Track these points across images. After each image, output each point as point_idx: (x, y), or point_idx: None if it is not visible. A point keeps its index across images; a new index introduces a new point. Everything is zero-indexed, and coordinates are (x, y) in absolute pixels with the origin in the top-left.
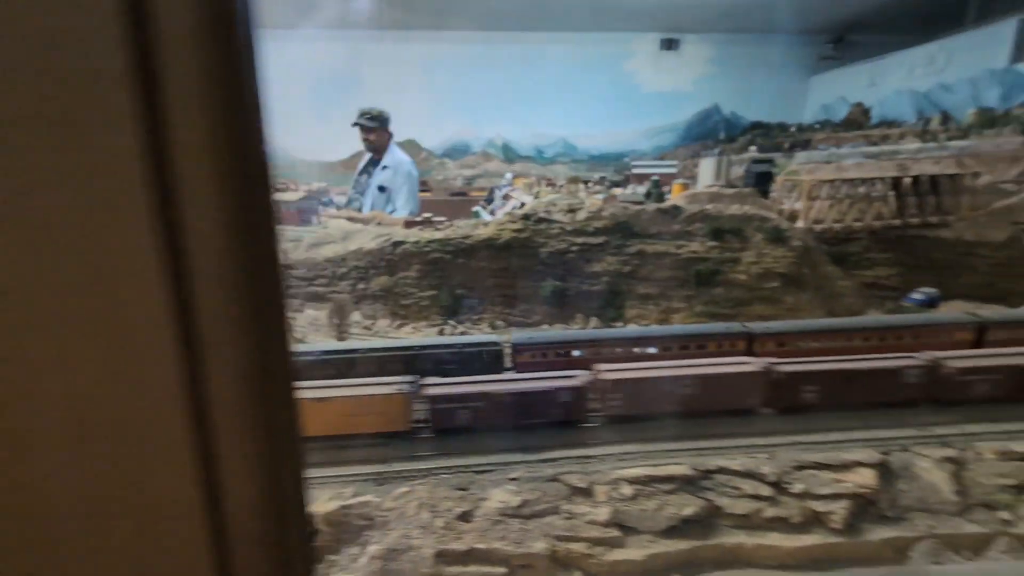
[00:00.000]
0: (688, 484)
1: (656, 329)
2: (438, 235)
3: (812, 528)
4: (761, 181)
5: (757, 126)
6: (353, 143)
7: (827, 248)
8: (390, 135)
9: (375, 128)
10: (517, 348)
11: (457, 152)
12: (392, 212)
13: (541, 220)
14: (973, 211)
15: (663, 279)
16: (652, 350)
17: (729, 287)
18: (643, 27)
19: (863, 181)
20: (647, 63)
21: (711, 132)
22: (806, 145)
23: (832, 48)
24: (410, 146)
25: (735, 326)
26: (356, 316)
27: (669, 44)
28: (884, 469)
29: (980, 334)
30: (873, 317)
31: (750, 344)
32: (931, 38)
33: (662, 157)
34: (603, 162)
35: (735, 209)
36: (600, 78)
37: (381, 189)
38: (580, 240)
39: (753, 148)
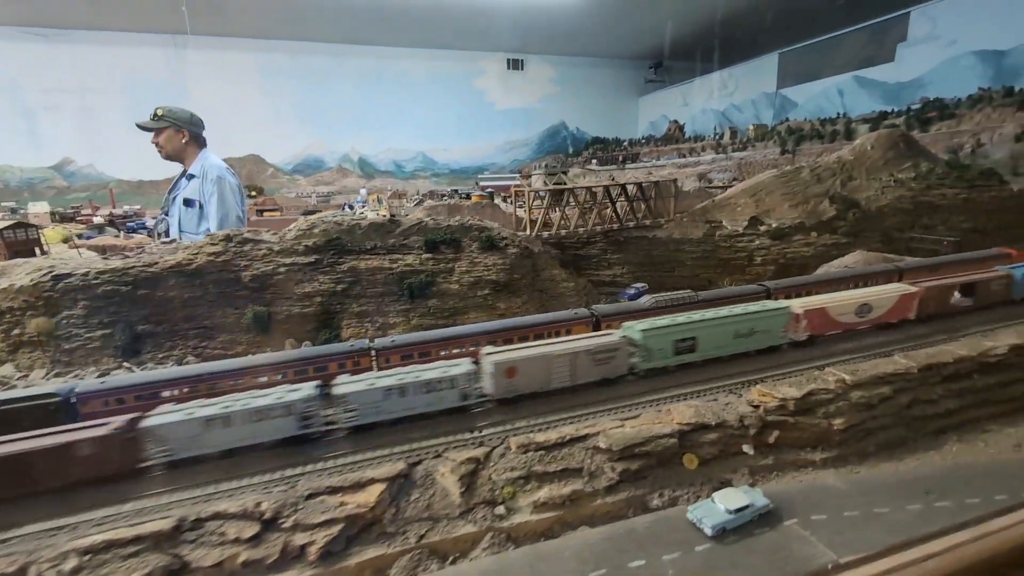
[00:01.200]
0: (163, 542)
1: (258, 358)
2: (115, 264)
3: (290, 564)
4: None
5: (597, 141)
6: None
7: (559, 253)
8: (190, 139)
9: (163, 128)
10: (82, 398)
11: (309, 168)
12: (206, 231)
13: (246, 241)
14: (679, 214)
15: (378, 295)
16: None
17: (443, 297)
18: (489, 47)
19: (588, 192)
20: (496, 81)
21: (560, 146)
22: (636, 158)
23: (654, 72)
24: (254, 161)
25: (343, 346)
26: (7, 369)
27: (515, 64)
28: (404, 481)
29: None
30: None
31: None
32: (724, 65)
33: (519, 170)
34: (463, 175)
35: (454, 220)
36: (453, 94)
37: (188, 203)
38: (289, 260)
39: (594, 161)
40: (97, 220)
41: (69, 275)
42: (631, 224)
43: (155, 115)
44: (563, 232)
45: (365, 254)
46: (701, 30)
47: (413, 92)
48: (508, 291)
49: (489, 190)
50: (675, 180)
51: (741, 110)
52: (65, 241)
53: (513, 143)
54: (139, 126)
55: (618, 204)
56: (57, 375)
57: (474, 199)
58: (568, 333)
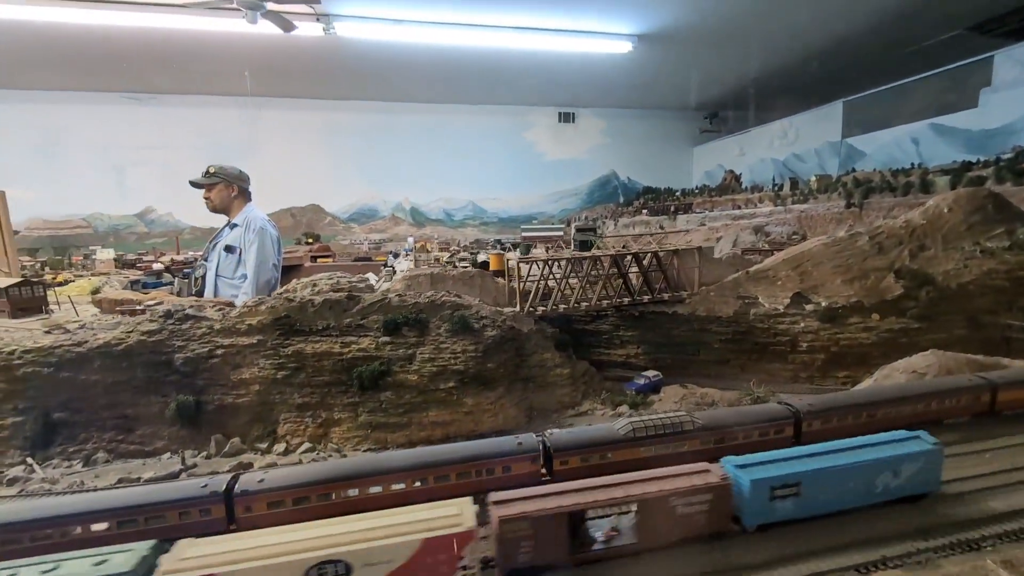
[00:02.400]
0: None
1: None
2: (44, 342)
3: None
4: (584, 248)
5: (648, 191)
6: (258, 204)
7: (556, 332)
8: (239, 193)
9: (213, 184)
10: None
11: (364, 217)
12: (242, 277)
13: (186, 318)
14: (705, 286)
15: (324, 384)
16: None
17: (399, 390)
18: (540, 101)
19: (586, 261)
20: (546, 133)
21: (611, 196)
22: (688, 208)
23: (709, 122)
24: (314, 210)
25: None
26: None
27: (566, 117)
28: None
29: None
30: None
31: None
32: (784, 114)
33: (568, 220)
34: (512, 224)
35: (423, 297)
36: (503, 146)
37: (228, 250)
38: (228, 341)
39: (644, 212)
40: (156, 266)
41: None
42: (646, 298)
43: (207, 172)
44: (561, 307)
45: (315, 335)
46: (759, 79)
47: (464, 145)
48: (479, 383)
49: (527, 243)
50: (699, 248)
51: (803, 160)
52: (95, 292)
53: (562, 192)
54: (192, 183)
55: (631, 274)
56: None
57: (491, 259)
58: (507, 472)
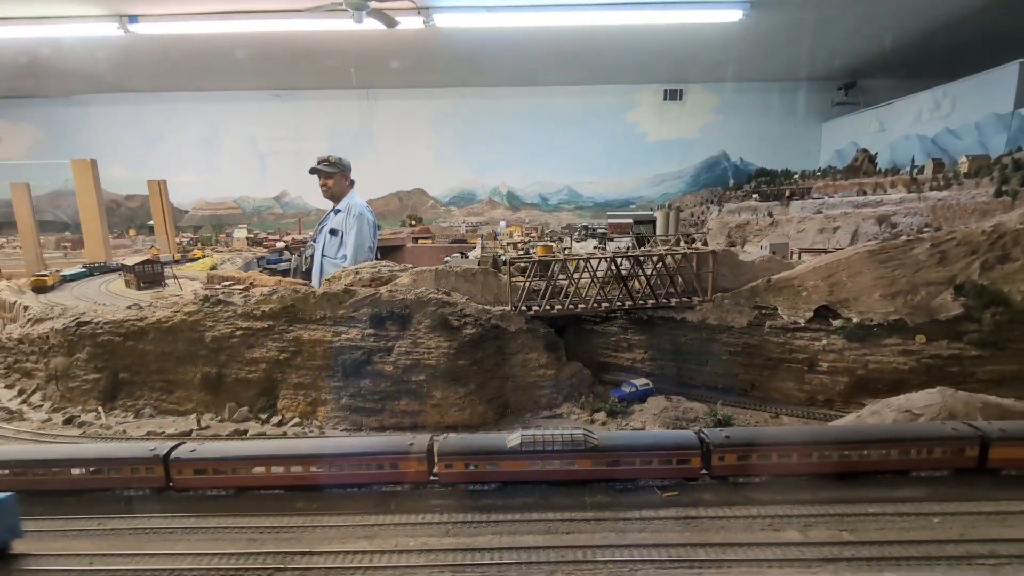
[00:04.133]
0: None
1: None
2: (118, 317)
3: None
4: (640, 242)
5: (762, 173)
6: (369, 189)
7: (549, 332)
8: (349, 182)
9: (332, 174)
10: None
11: (463, 200)
12: (343, 257)
13: (219, 302)
14: (720, 293)
15: (316, 368)
16: None
17: (376, 378)
18: (645, 79)
19: (587, 263)
20: (650, 113)
21: (719, 179)
22: (806, 193)
23: (844, 94)
24: (418, 194)
25: None
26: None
27: (673, 94)
28: None
29: None
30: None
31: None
32: (938, 82)
33: (668, 203)
34: (608, 209)
35: (411, 293)
36: (603, 128)
37: (332, 232)
38: (246, 324)
39: (754, 196)
40: (279, 245)
41: (88, 323)
42: (650, 303)
43: (329, 162)
44: (556, 308)
45: (313, 324)
46: (908, 39)
47: (563, 127)
48: (449, 378)
49: (601, 230)
50: (714, 252)
51: (959, 136)
52: (212, 269)
53: (664, 176)
54: (314, 171)
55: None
56: (55, 409)
57: (539, 250)
58: (394, 468)
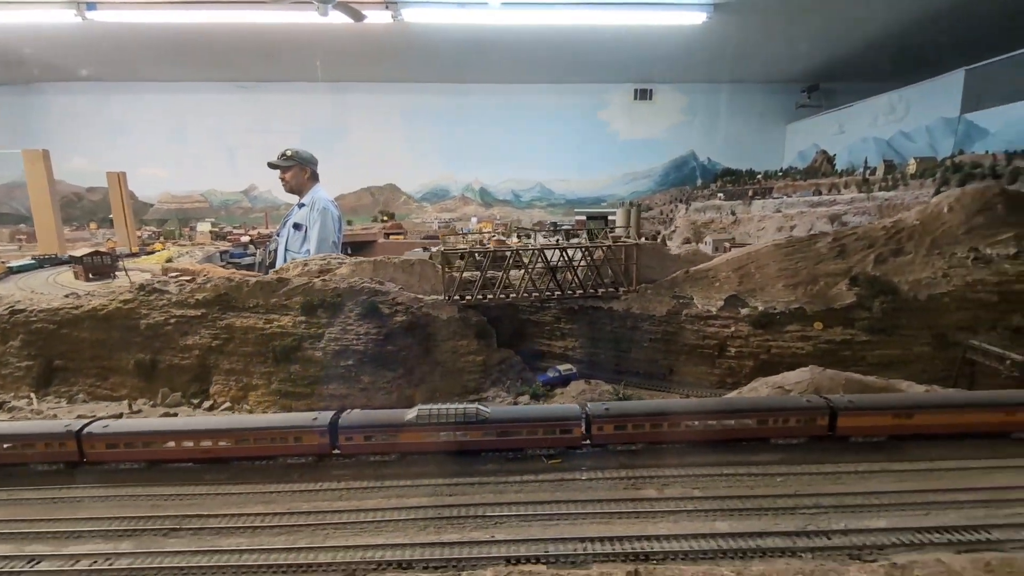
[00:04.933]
0: None
1: None
2: (54, 304)
3: None
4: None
5: (728, 173)
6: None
7: (481, 320)
8: (313, 175)
9: (289, 167)
10: None
11: (436, 196)
12: (307, 252)
13: (154, 291)
14: (644, 284)
15: (248, 354)
16: None
17: (306, 364)
18: (615, 78)
19: (516, 255)
20: (621, 113)
21: (687, 178)
22: (768, 193)
23: (807, 96)
24: (391, 190)
25: None
26: None
27: (643, 94)
28: None
29: None
30: None
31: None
32: (894, 86)
33: (629, 201)
34: (579, 206)
35: (344, 282)
36: (575, 126)
37: (296, 227)
38: (180, 312)
39: (720, 196)
40: (244, 239)
41: (22, 311)
42: (578, 293)
43: (284, 155)
44: (489, 297)
45: (246, 312)
46: (869, 46)
47: (535, 125)
48: (378, 363)
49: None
50: (637, 244)
51: (912, 139)
52: (168, 261)
53: (635, 174)
54: (271, 165)
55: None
56: None
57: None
58: (298, 442)
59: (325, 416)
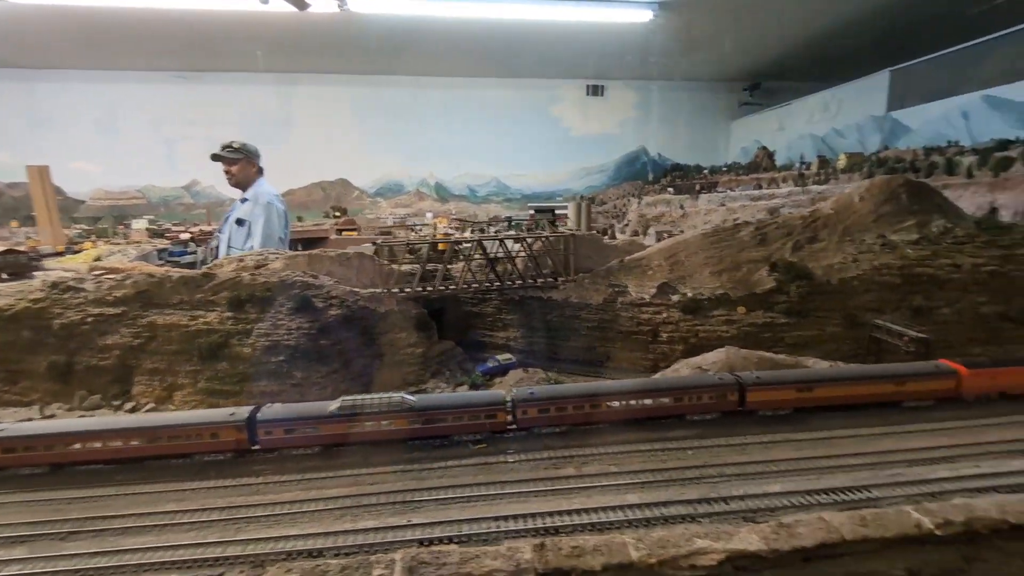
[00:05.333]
0: None
1: None
2: None
3: None
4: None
5: (677, 168)
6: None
7: (421, 312)
8: (257, 169)
9: (237, 160)
10: None
11: (390, 191)
12: (250, 249)
13: (68, 288)
14: (582, 273)
15: (172, 353)
16: None
17: (234, 361)
18: (568, 74)
19: (453, 247)
20: (574, 108)
21: (639, 173)
22: (713, 187)
23: (749, 95)
24: (342, 185)
25: None
26: None
27: (595, 90)
28: None
29: None
30: None
31: None
32: (829, 85)
33: (580, 196)
34: (535, 201)
35: (275, 276)
36: (529, 121)
37: (239, 223)
38: (97, 311)
39: (669, 190)
40: (184, 236)
41: None
42: (517, 283)
43: (231, 147)
44: (427, 290)
45: (169, 309)
46: (805, 46)
47: (490, 120)
48: (312, 358)
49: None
50: (573, 235)
51: (844, 136)
52: (97, 260)
53: (589, 169)
54: (216, 158)
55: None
56: None
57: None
58: (214, 438)
59: (243, 411)
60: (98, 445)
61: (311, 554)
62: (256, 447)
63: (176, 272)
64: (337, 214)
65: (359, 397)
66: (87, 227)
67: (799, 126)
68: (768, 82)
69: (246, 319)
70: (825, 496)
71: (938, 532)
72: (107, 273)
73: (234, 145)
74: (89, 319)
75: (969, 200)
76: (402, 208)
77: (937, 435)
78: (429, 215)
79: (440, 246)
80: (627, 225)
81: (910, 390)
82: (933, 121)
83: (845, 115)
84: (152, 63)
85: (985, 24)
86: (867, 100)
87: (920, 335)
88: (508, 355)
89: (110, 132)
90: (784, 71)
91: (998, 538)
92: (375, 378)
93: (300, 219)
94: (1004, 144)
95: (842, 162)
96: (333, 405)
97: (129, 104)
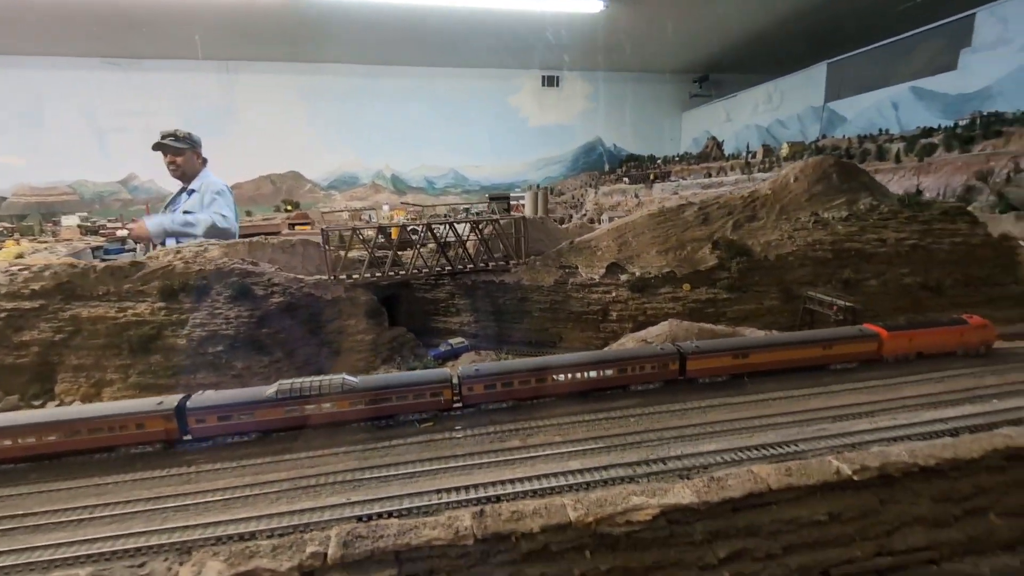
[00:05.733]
0: None
1: None
2: None
3: None
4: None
5: (631, 158)
6: (235, 171)
7: (371, 299)
8: (203, 160)
9: (182, 151)
10: None
11: (344, 184)
12: (196, 237)
13: None
14: (533, 256)
15: (99, 347)
16: None
17: (168, 353)
18: (523, 64)
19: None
20: (530, 98)
21: (596, 163)
22: (666, 176)
23: (699, 86)
24: (293, 177)
25: None
26: None
27: (550, 81)
28: None
29: None
30: None
31: None
32: (772, 77)
33: (536, 185)
34: (494, 191)
35: (211, 264)
36: (486, 112)
37: (187, 214)
38: (12, 305)
39: (625, 180)
40: (121, 233)
41: None
42: (468, 267)
43: (176, 136)
44: (376, 276)
45: (94, 301)
46: (749, 39)
47: (446, 110)
48: (252, 348)
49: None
50: (523, 218)
51: (786, 126)
52: (19, 257)
53: (547, 160)
54: (158, 147)
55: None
56: None
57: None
58: (140, 429)
59: (172, 400)
60: (8, 443)
61: (242, 537)
62: (188, 437)
63: (102, 262)
64: (289, 208)
65: (297, 381)
66: (8, 225)
67: (745, 117)
68: (716, 74)
69: (180, 309)
70: (756, 452)
71: (855, 477)
72: (23, 267)
73: (178, 134)
74: (2, 314)
75: (897, 184)
76: (357, 201)
77: (860, 393)
78: (386, 207)
79: (393, 233)
80: (584, 215)
81: (837, 353)
82: (866, 111)
83: (787, 106)
84: (80, 48)
85: (912, 19)
86: (807, 91)
87: (848, 304)
88: (461, 339)
89: (34, 123)
90: (730, 63)
91: (909, 480)
92: (323, 367)
93: (249, 214)
94: (928, 131)
95: (785, 150)
96: (270, 389)
97: (55, 93)
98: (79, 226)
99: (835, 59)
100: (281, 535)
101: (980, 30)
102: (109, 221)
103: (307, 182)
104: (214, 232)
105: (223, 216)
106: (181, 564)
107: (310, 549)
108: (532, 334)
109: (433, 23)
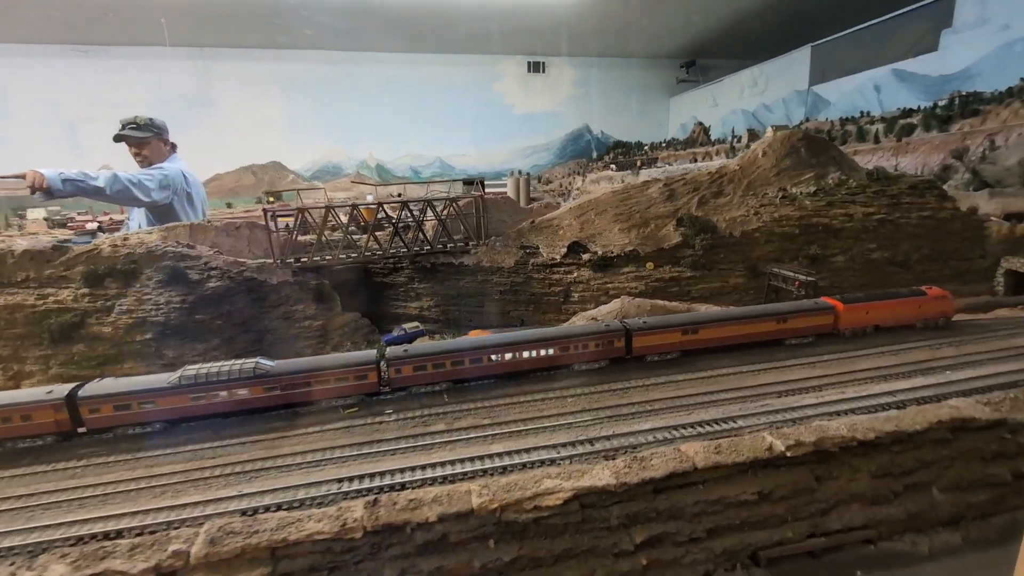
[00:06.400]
0: None
1: None
2: None
3: None
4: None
5: (619, 145)
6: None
7: (320, 283)
8: (171, 145)
9: (146, 140)
10: None
11: (328, 174)
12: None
13: None
14: (493, 237)
15: (17, 337)
16: None
17: (92, 342)
18: (507, 50)
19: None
20: (516, 85)
21: (584, 151)
22: (654, 163)
23: (686, 71)
24: (275, 168)
25: None
26: None
27: (536, 67)
28: None
29: None
30: None
31: None
32: (758, 61)
33: (518, 171)
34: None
35: (141, 247)
36: (471, 99)
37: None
38: None
39: (612, 167)
40: (90, 226)
41: None
42: (426, 249)
43: (136, 124)
44: (327, 259)
45: (12, 287)
46: (735, 24)
47: (431, 98)
48: (185, 335)
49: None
50: (481, 198)
51: (771, 110)
52: None
53: (534, 148)
54: (119, 138)
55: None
56: None
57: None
58: (26, 421)
59: (63, 389)
60: None
61: (107, 536)
62: (82, 430)
63: (20, 246)
64: (271, 199)
65: (204, 366)
66: None
67: (731, 101)
68: (703, 59)
69: (105, 295)
70: (690, 429)
71: (788, 453)
72: None
73: (139, 122)
74: None
75: (876, 164)
76: (342, 191)
77: (813, 367)
78: (370, 197)
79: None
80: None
81: (791, 327)
82: (849, 94)
83: (772, 90)
84: (44, 34)
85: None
86: (791, 75)
87: (808, 278)
88: (416, 324)
89: (0, 113)
90: (717, 48)
91: (848, 456)
92: (267, 354)
93: (229, 205)
94: (908, 112)
95: (770, 134)
96: (174, 376)
97: (20, 81)
98: (46, 219)
99: (819, 42)
100: (152, 532)
101: (961, 10)
102: (78, 214)
103: (289, 172)
104: (118, 187)
105: (141, 175)
106: (29, 569)
107: (173, 547)
108: (494, 317)
109: (414, 7)
